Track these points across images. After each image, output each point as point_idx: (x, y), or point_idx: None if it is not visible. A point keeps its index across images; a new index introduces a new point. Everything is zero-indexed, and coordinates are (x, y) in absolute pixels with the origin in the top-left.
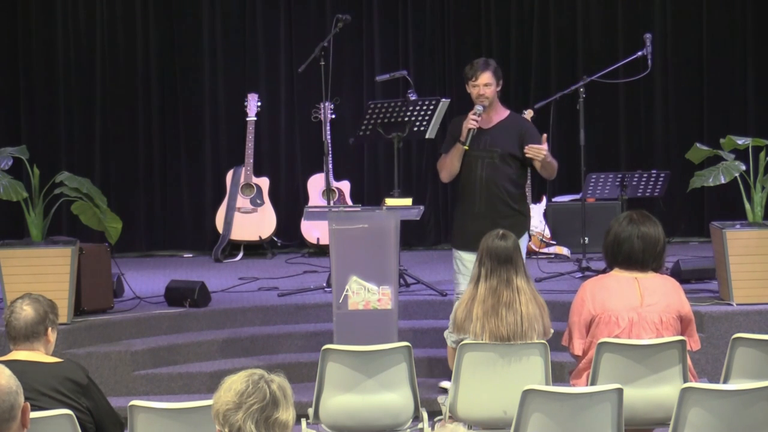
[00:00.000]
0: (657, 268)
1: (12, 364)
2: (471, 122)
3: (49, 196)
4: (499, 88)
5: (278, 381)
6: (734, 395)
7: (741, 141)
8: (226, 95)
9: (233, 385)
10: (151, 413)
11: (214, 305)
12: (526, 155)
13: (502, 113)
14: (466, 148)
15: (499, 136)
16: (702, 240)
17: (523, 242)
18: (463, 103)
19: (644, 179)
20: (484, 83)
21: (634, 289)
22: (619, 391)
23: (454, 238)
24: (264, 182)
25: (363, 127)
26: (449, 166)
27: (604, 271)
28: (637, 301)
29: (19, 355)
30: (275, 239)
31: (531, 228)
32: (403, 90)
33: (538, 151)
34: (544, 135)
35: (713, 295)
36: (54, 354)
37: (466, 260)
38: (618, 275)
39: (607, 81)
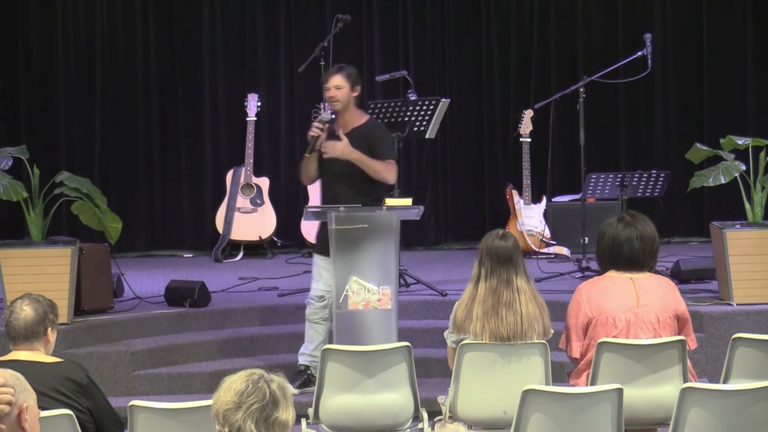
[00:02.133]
0: (653, 267)
1: (12, 364)
2: (314, 130)
3: (49, 196)
4: (355, 94)
5: (278, 381)
6: (734, 395)
7: (741, 141)
8: (226, 95)
9: (233, 385)
10: (151, 413)
11: (214, 305)
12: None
13: (359, 119)
14: (307, 155)
15: (353, 143)
16: (702, 240)
17: None
18: (463, 103)
19: (644, 179)
20: (335, 85)
21: (629, 290)
22: (619, 391)
23: (314, 243)
24: (264, 182)
25: None
26: (304, 171)
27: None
28: (633, 302)
29: (19, 355)
30: (275, 239)
31: (531, 228)
32: (403, 90)
33: (331, 148)
34: (340, 131)
35: (713, 295)
36: (54, 354)
37: (319, 264)
38: (613, 277)
39: (607, 81)
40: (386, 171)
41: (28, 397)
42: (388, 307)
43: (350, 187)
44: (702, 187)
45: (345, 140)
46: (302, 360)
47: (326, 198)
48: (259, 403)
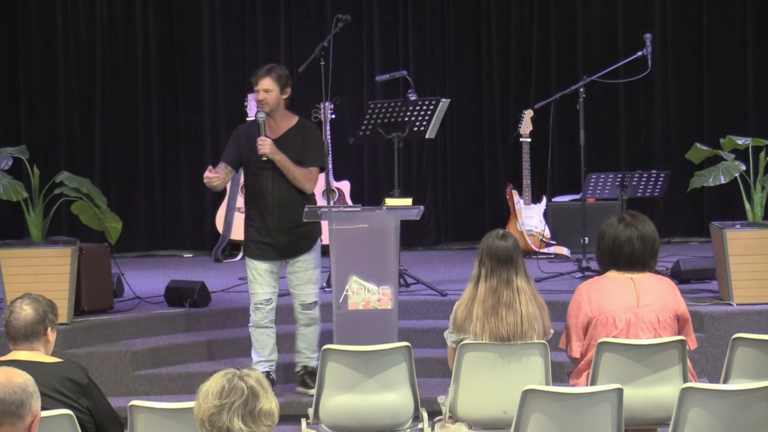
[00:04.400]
0: (654, 267)
1: (12, 364)
2: (214, 179)
3: (49, 196)
4: (285, 96)
5: (254, 375)
6: (734, 395)
7: (741, 141)
8: (226, 95)
9: (210, 389)
10: (151, 413)
11: (214, 305)
12: (258, 149)
13: (290, 121)
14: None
15: (286, 146)
16: (702, 240)
17: (318, 250)
18: (463, 103)
19: (644, 179)
20: (264, 89)
21: (630, 290)
22: (619, 391)
23: (245, 247)
24: None
25: (363, 127)
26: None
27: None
28: (633, 302)
29: (19, 355)
30: None
31: (531, 228)
32: (403, 90)
33: (262, 143)
34: (263, 138)
35: (713, 295)
36: (54, 354)
37: (261, 269)
38: (613, 276)
39: (607, 81)
40: (305, 180)
41: (39, 404)
42: (388, 307)
43: (294, 194)
44: (702, 187)
45: (269, 141)
46: (261, 368)
47: (267, 204)
48: (240, 399)
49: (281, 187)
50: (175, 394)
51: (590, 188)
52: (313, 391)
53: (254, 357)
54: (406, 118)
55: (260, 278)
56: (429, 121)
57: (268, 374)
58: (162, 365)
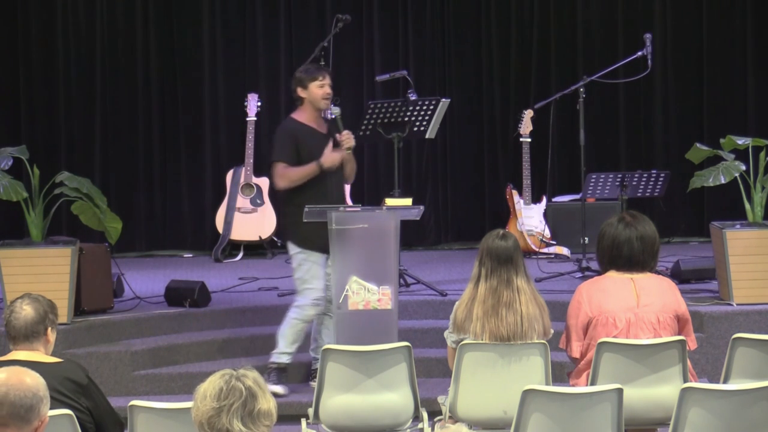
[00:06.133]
0: (654, 267)
1: (12, 364)
2: (351, 138)
3: (49, 196)
4: None
5: (251, 375)
6: (734, 395)
7: (741, 141)
8: (226, 95)
9: (207, 392)
10: (151, 413)
11: (214, 305)
12: (343, 143)
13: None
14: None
15: (333, 138)
16: (702, 240)
17: None
18: (463, 103)
19: (644, 179)
20: (329, 84)
21: (630, 290)
22: (619, 391)
23: (308, 241)
24: (264, 182)
25: (363, 127)
26: (298, 182)
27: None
28: (633, 302)
29: (19, 355)
30: (275, 239)
31: (531, 228)
32: (403, 90)
33: (349, 137)
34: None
35: (713, 295)
36: (54, 354)
37: (321, 262)
38: (614, 277)
39: (607, 81)
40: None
41: (48, 409)
42: (388, 307)
43: (344, 184)
44: (702, 187)
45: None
46: (286, 359)
47: (332, 198)
48: (239, 400)
49: (339, 180)
50: (175, 394)
51: (590, 188)
52: None
53: (286, 348)
54: (406, 118)
55: (321, 272)
56: (429, 121)
57: (286, 367)
58: (162, 365)
